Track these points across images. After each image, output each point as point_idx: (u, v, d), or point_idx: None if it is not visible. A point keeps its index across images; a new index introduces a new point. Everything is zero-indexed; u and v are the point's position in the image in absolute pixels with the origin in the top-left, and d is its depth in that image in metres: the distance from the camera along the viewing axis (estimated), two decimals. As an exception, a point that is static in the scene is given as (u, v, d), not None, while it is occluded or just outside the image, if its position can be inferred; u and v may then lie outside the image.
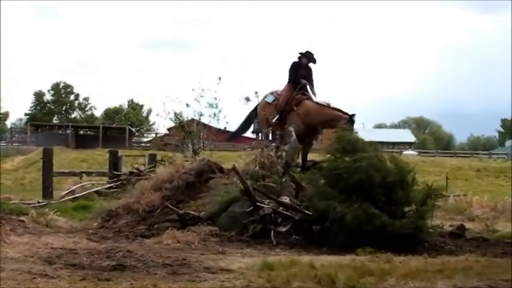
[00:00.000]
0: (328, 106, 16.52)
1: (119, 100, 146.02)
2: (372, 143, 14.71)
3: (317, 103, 16.64)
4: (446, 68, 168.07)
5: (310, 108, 16.66)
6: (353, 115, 15.85)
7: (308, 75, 16.86)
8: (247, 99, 19.10)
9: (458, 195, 21.29)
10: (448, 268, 10.02)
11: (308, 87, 16.72)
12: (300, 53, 16.92)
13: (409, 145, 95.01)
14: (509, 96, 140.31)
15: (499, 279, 9.28)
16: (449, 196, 20.11)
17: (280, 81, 17.80)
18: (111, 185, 21.47)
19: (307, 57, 16.90)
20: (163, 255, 10.83)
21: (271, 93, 17.27)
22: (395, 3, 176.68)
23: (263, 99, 18.06)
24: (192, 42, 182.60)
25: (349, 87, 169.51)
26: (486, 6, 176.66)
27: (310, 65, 17.30)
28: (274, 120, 15.95)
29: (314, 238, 12.81)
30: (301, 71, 16.86)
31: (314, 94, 16.62)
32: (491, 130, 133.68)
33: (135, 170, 20.98)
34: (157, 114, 22.00)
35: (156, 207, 14.88)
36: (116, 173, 22.89)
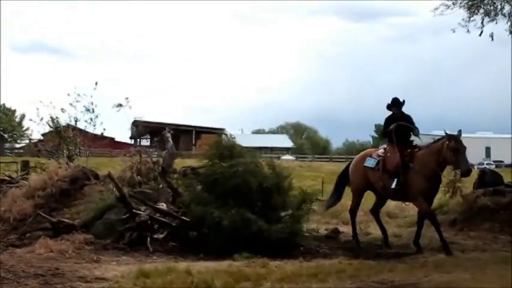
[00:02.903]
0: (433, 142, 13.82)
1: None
2: (249, 149, 14.80)
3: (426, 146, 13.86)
4: (323, 74, 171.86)
5: (423, 158, 13.60)
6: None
7: (409, 122, 13.94)
8: (120, 105, 18.83)
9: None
10: (322, 271, 10.22)
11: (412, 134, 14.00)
12: (388, 105, 14.17)
13: (286, 150, 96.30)
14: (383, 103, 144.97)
15: (371, 281, 9.55)
16: (325, 200, 20.46)
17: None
18: (-19, 193, 20.58)
19: (395, 106, 14.08)
20: (35, 265, 10.51)
21: (370, 157, 14.41)
22: (277, 11, 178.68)
23: (356, 162, 15.20)
24: (67, 47, 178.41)
25: (227, 93, 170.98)
26: (359, 16, 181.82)
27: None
28: (393, 187, 13.49)
29: (191, 244, 12.74)
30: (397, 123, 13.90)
31: (417, 135, 13.97)
32: (366, 135, 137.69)
33: (6, 178, 20.18)
34: (31, 120, 21.32)
35: (28, 216, 14.40)
36: (-14, 180, 21.96)
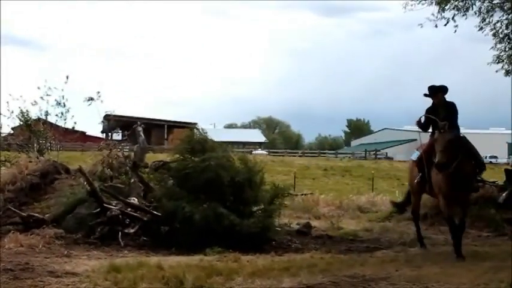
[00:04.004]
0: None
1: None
2: (220, 143, 14.77)
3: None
4: (295, 69, 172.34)
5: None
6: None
7: (448, 111, 12.10)
8: (91, 99, 18.71)
9: (305, 194, 21.73)
10: (294, 266, 10.23)
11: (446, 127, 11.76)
12: (425, 95, 12.38)
13: (259, 145, 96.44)
14: (355, 98, 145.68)
15: (342, 275, 9.58)
16: (297, 195, 20.55)
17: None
18: None
19: (432, 95, 12.31)
20: (5, 259, 10.39)
21: (416, 150, 13.12)
22: (250, 5, 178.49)
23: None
24: (37, 40, 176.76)
25: (201, 88, 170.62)
26: (332, 11, 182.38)
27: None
28: (416, 181, 12.42)
29: (163, 239, 12.69)
30: (436, 113, 12.08)
31: (455, 127, 11.93)
32: (338, 130, 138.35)
33: (-25, 172, 19.99)
34: (0, 114, 21.07)
35: (-2, 210, 14.25)
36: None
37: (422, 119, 12.18)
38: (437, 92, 12.10)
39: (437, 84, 12.20)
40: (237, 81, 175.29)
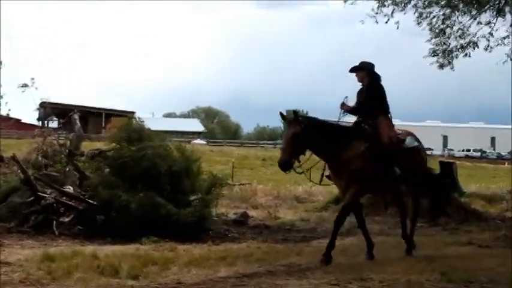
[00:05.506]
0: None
1: None
2: (158, 132, 14.69)
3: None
4: (235, 59, 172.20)
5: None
6: None
7: (366, 93, 10.74)
8: (25, 85, 18.34)
9: (243, 184, 21.81)
10: (230, 255, 10.24)
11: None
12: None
13: (198, 134, 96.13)
14: (295, 89, 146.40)
15: (278, 264, 9.64)
16: (235, 185, 20.58)
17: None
18: None
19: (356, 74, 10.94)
20: None
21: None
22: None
23: None
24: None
25: (139, 76, 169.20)
26: (272, 4, 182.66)
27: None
28: None
29: (98, 228, 12.57)
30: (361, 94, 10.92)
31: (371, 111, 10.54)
32: (276, 121, 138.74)
33: None
34: None
35: None
36: None
37: (346, 101, 10.75)
38: (357, 70, 10.86)
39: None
40: (177, 70, 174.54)
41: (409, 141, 10.75)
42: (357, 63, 10.69)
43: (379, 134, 10.27)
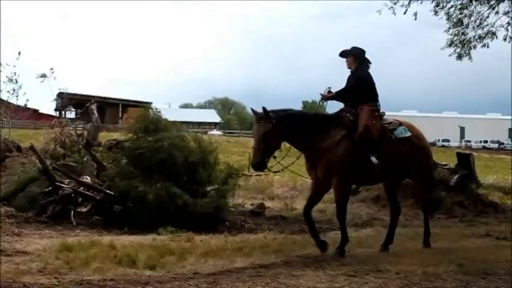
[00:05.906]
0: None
1: None
2: (174, 123, 14.69)
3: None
4: (252, 51, 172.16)
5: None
6: None
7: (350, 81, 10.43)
8: (44, 75, 18.42)
9: (260, 175, 21.75)
10: (247, 246, 10.26)
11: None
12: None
13: (214, 125, 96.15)
14: (310, 80, 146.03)
15: (295, 255, 9.64)
16: (251, 176, 20.54)
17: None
18: None
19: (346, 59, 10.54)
20: (-46, 238, 10.21)
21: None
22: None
23: None
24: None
25: (157, 68, 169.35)
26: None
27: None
28: None
29: (115, 218, 12.59)
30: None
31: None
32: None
33: None
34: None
35: None
36: None
37: (326, 92, 10.34)
38: (345, 56, 10.45)
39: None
40: (194, 61, 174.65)
41: (399, 131, 10.37)
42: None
43: (357, 123, 9.95)
